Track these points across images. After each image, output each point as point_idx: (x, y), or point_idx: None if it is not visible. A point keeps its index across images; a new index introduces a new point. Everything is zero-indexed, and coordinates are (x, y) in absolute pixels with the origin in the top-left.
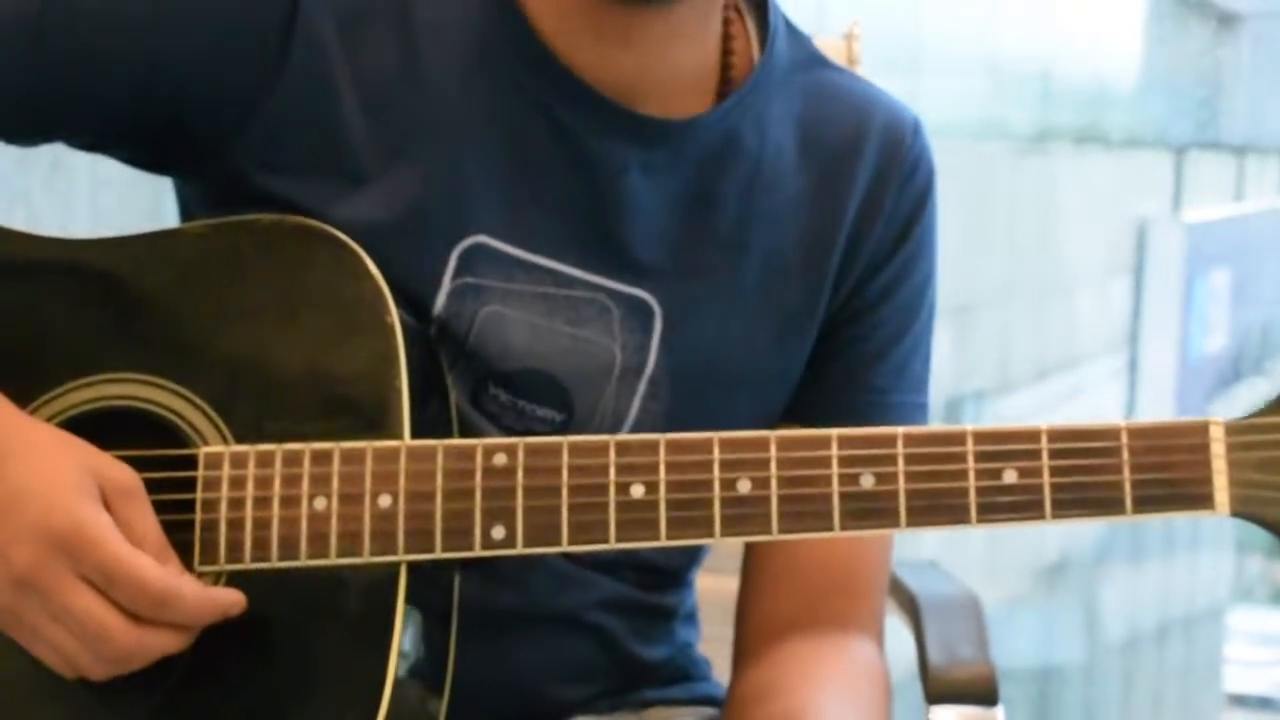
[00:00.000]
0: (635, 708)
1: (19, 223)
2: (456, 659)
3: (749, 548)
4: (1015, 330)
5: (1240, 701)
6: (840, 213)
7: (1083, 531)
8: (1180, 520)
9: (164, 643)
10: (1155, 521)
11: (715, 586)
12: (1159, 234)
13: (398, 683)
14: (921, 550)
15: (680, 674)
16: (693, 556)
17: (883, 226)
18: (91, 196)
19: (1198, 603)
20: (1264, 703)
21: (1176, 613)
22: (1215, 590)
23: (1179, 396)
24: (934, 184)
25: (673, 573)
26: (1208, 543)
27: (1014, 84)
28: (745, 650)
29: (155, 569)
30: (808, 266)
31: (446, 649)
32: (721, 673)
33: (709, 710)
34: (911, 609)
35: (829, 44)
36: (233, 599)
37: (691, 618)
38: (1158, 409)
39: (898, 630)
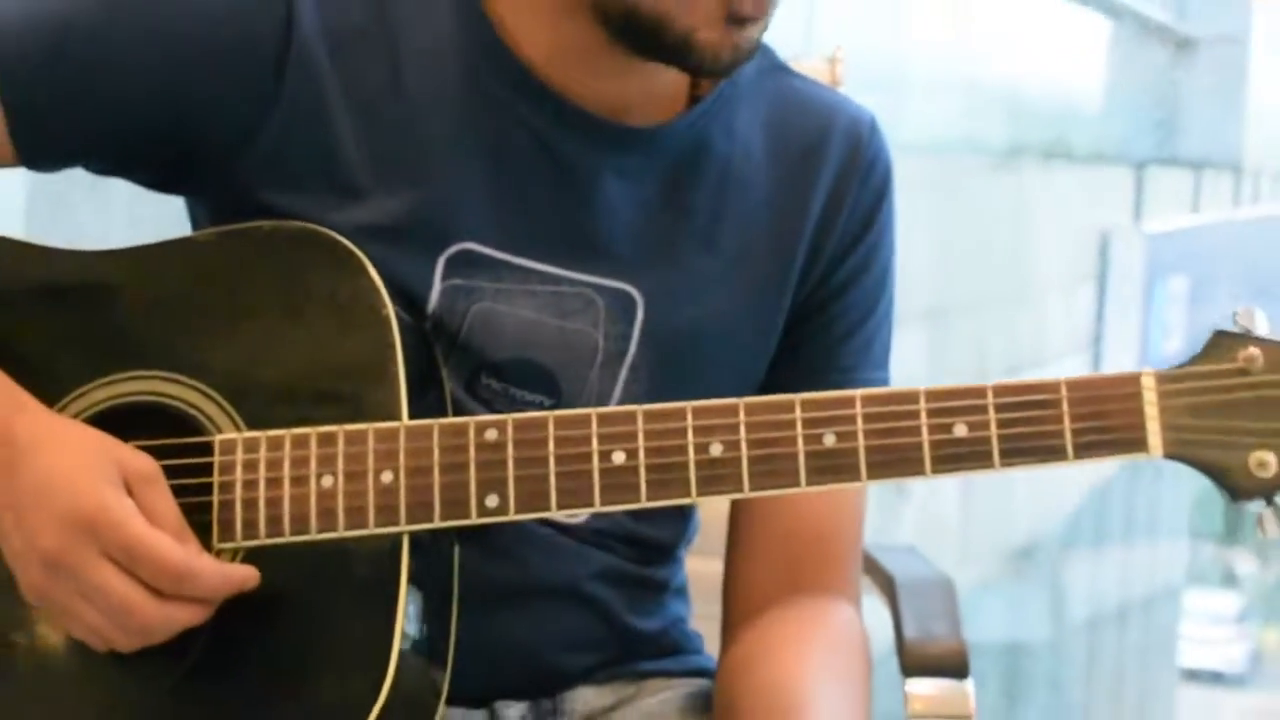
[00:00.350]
0: (631, 679)
1: (64, 230)
2: (459, 630)
3: (732, 524)
4: (987, 333)
5: (1194, 676)
6: (806, 207)
7: (1049, 518)
8: (1140, 508)
9: (185, 616)
10: (1116, 508)
11: (704, 568)
12: (1121, 243)
13: (403, 650)
14: (900, 536)
15: (674, 647)
16: (680, 532)
17: (846, 218)
18: (129, 206)
19: (1155, 584)
20: (1215, 677)
21: (1136, 594)
22: (1171, 573)
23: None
24: (892, 178)
25: (663, 547)
26: (1165, 529)
27: (987, 104)
28: (733, 620)
29: (175, 547)
30: (777, 257)
31: (449, 620)
32: (712, 648)
33: (702, 681)
34: (889, 589)
35: (814, 66)
36: (247, 574)
37: (682, 593)
38: None
39: (877, 609)
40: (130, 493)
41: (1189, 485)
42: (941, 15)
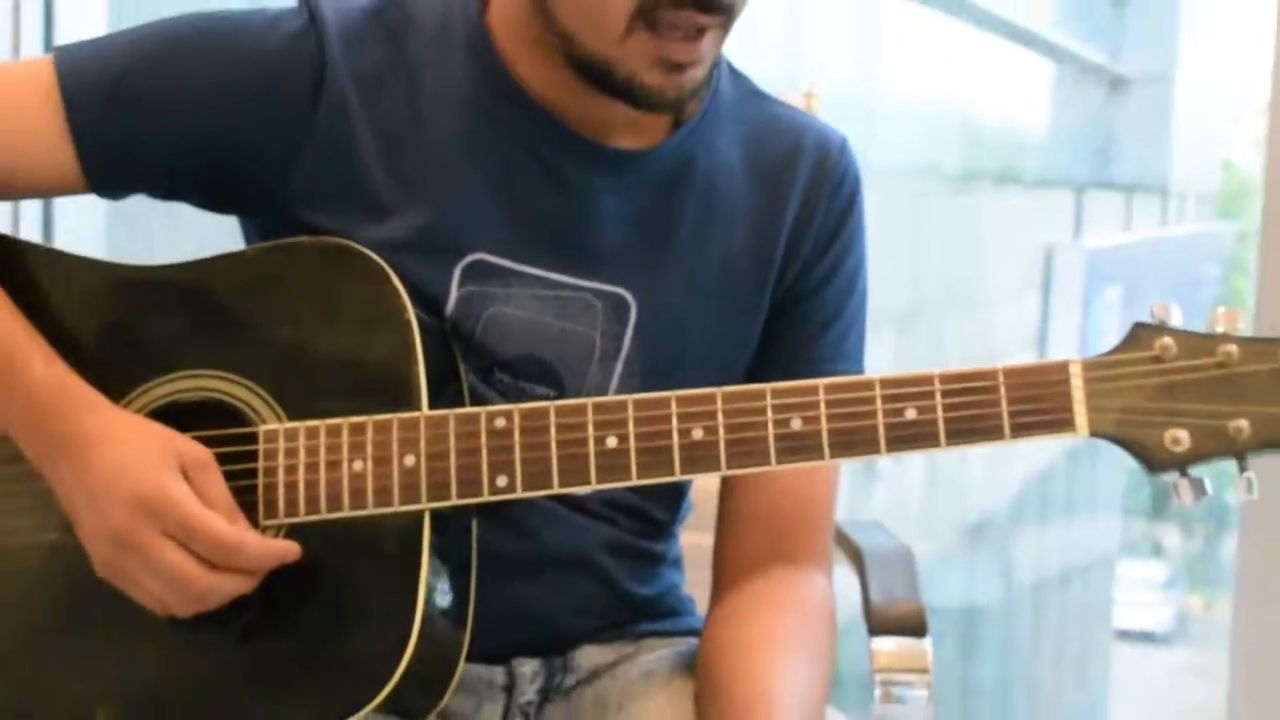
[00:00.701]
0: (632, 638)
1: (139, 247)
2: (478, 596)
3: (722, 501)
4: (947, 333)
5: (1126, 635)
6: (781, 217)
7: (1000, 497)
8: (1078, 488)
9: (235, 585)
10: (1058, 488)
11: (696, 541)
12: (1063, 257)
13: (427, 614)
14: (868, 512)
15: (670, 610)
16: (675, 508)
17: (818, 226)
18: (196, 225)
19: (1092, 555)
20: (1146, 636)
21: (1075, 563)
22: (1106, 545)
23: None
24: (860, 191)
25: (660, 522)
26: (1101, 507)
27: (946, 135)
28: (721, 583)
29: (225, 525)
30: (756, 263)
31: (468, 587)
32: (703, 612)
33: (693, 640)
34: (857, 559)
35: (793, 100)
36: (288, 548)
37: (678, 563)
38: None
39: (847, 577)
40: (186, 478)
41: (1121, 467)
42: (906, 56)
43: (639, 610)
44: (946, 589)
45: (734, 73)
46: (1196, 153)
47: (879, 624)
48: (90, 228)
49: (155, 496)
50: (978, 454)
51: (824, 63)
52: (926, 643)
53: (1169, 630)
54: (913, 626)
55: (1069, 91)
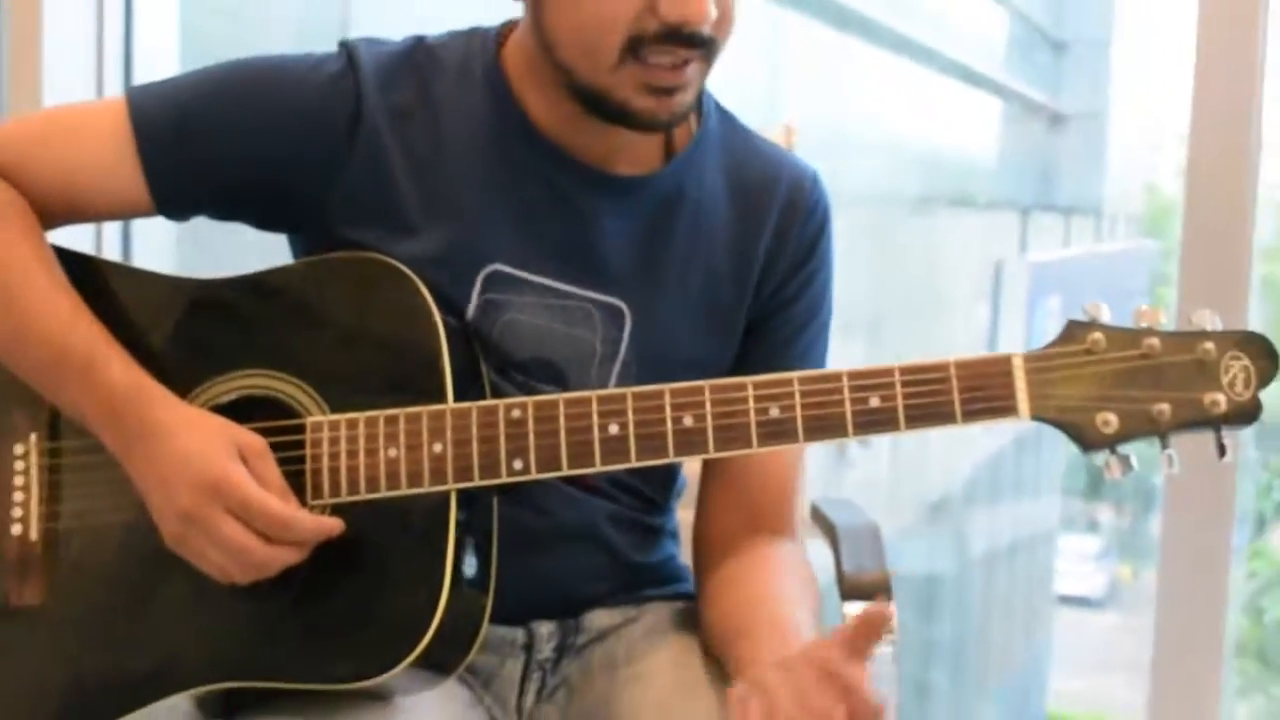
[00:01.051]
0: (636, 602)
1: (206, 262)
2: (500, 566)
3: (703, 483)
4: (908, 338)
5: (1066, 600)
6: (758, 240)
7: (956, 480)
8: (1024, 472)
9: (287, 556)
10: (1007, 472)
11: (690, 517)
12: (1009, 271)
13: (454, 581)
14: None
15: (669, 577)
16: (669, 488)
17: (791, 250)
18: (257, 243)
19: (1036, 530)
20: (1082, 601)
21: (1021, 537)
22: (1048, 521)
23: None
24: (830, 221)
25: (657, 499)
26: (1044, 488)
27: (907, 164)
28: (704, 558)
29: (279, 504)
30: (736, 279)
31: (490, 557)
32: None
33: (690, 604)
34: (831, 534)
35: (775, 134)
36: (334, 524)
37: (675, 535)
38: None
39: (822, 549)
40: (245, 463)
41: (1061, 453)
42: (872, 95)
43: (641, 577)
44: (909, 560)
45: (721, 110)
46: (1125, 179)
47: (850, 590)
48: (161, 248)
49: (218, 479)
50: (936, 442)
51: (802, 100)
52: (892, 607)
53: (1102, 595)
54: (880, 592)
55: (1015, 126)
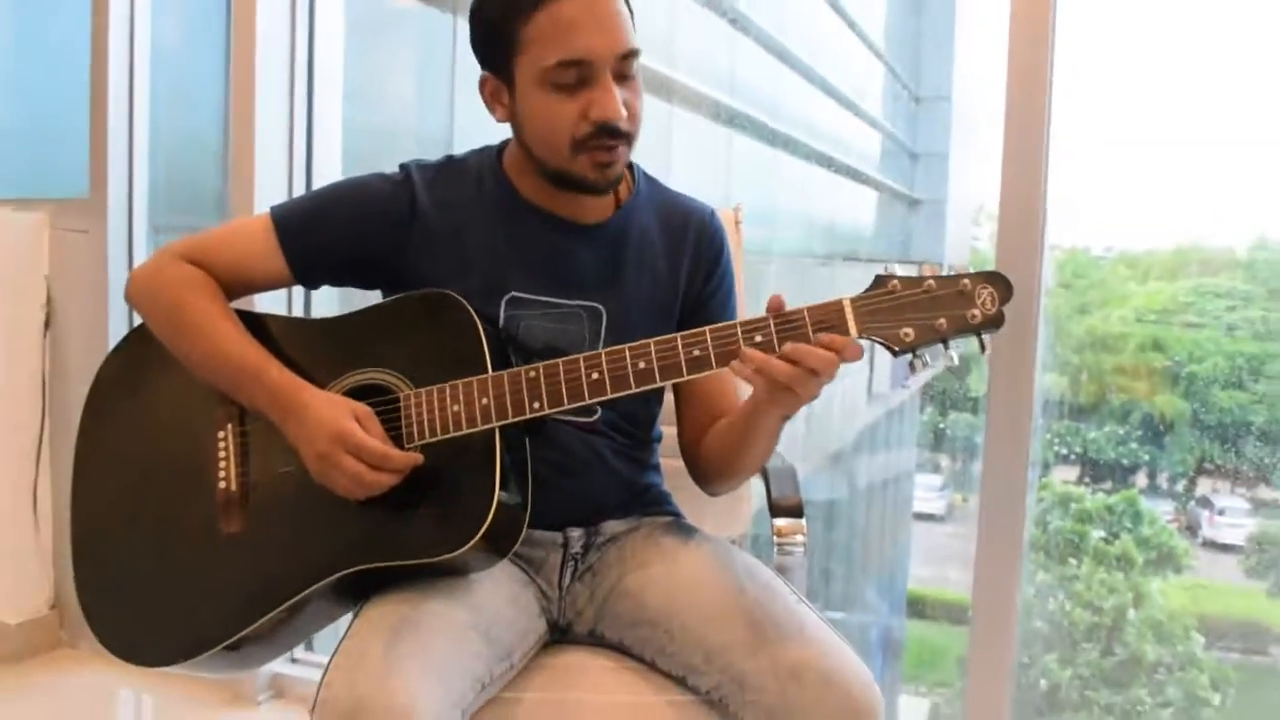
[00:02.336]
0: (637, 515)
1: (352, 304)
2: (534, 489)
3: (677, 408)
4: None
5: (919, 516)
6: (682, 257)
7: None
8: (893, 432)
9: (389, 480)
10: (882, 431)
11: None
12: None
13: (500, 500)
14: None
15: (658, 499)
16: (650, 431)
17: (706, 265)
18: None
19: (900, 470)
20: (930, 517)
21: (890, 475)
22: (908, 465)
23: (891, 372)
24: (725, 237)
25: (641, 438)
26: (905, 443)
27: (817, 230)
28: (685, 445)
29: (381, 446)
30: (670, 284)
31: (526, 477)
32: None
33: (673, 519)
34: (764, 473)
35: (727, 213)
36: (416, 457)
37: (658, 468)
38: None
39: (757, 483)
40: (358, 422)
41: (918, 421)
42: (794, 186)
43: (639, 496)
44: (816, 491)
45: (648, 176)
46: (957, 244)
47: (777, 510)
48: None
49: (341, 431)
50: (838, 408)
51: (746, 190)
52: (803, 522)
53: (943, 514)
54: (795, 511)
55: (885, 208)
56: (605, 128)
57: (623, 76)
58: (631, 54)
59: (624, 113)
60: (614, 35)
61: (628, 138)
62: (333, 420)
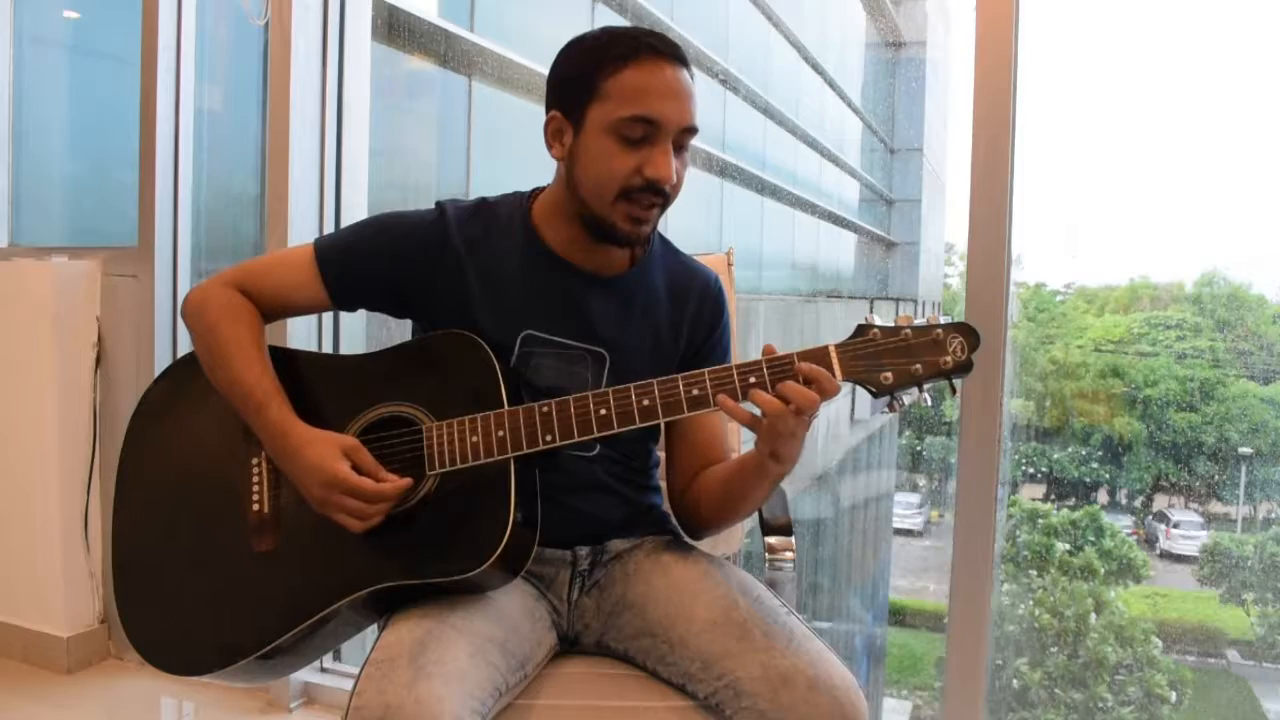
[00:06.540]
0: (639, 535)
1: (391, 331)
2: (545, 511)
3: (667, 448)
4: None
5: (899, 532)
6: (685, 315)
7: (833, 459)
8: (875, 454)
9: (384, 509)
10: (864, 454)
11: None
12: None
13: (514, 522)
14: None
15: (659, 519)
16: (649, 458)
17: (706, 322)
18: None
19: (882, 490)
20: (909, 532)
21: (872, 494)
22: (889, 485)
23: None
24: (725, 300)
25: (640, 465)
26: (885, 464)
27: (800, 272)
28: (675, 491)
29: (373, 484)
30: (672, 338)
31: (536, 502)
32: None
33: (673, 539)
34: None
35: (718, 258)
36: (405, 482)
37: (658, 490)
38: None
39: None
40: (348, 457)
41: (897, 444)
42: (780, 232)
43: (641, 516)
44: (804, 509)
45: (662, 238)
46: (932, 280)
47: (768, 528)
48: (356, 333)
49: (332, 476)
50: (821, 434)
51: (737, 235)
52: (792, 539)
53: (921, 529)
54: (785, 530)
55: (864, 250)
56: (654, 185)
57: (679, 147)
58: (692, 130)
59: (675, 178)
60: (684, 109)
61: (666, 201)
62: (321, 465)
